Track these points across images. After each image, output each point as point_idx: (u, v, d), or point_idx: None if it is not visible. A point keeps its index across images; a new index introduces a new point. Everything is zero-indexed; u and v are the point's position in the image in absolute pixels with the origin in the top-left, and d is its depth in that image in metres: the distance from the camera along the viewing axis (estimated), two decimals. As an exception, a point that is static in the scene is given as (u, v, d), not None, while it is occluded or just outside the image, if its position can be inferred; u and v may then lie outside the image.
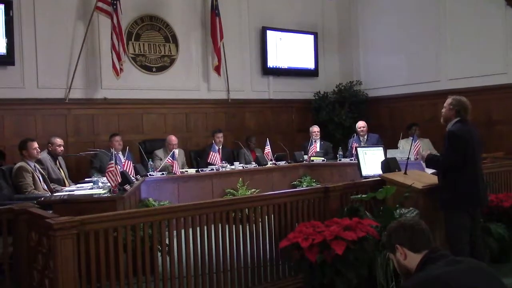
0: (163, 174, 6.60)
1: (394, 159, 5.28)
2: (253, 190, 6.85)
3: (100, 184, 5.36)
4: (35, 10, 7.15)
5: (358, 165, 6.06)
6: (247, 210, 4.02)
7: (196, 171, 7.03)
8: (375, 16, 9.70)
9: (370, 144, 7.83)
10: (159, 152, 7.31)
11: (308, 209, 4.27)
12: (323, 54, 10.15)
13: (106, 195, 4.79)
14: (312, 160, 7.97)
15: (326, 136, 9.12)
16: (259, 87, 9.47)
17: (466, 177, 3.96)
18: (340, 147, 8.22)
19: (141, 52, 8.14)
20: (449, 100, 4.11)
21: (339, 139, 9.18)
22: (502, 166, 5.83)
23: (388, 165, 5.03)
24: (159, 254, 3.63)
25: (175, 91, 8.42)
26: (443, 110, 4.15)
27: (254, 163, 7.66)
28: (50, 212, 3.88)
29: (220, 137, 7.83)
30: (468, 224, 4.00)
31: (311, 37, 9.92)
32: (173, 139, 7.34)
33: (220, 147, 7.76)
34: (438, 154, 4.39)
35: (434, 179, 4.32)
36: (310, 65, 9.96)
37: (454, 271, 2.03)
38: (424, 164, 4.45)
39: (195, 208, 3.76)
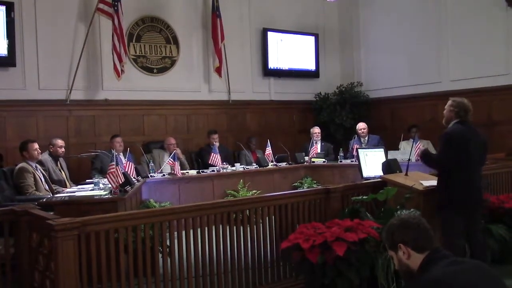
0: (164, 175, 6.61)
1: (395, 160, 5.28)
2: (254, 191, 6.85)
3: (101, 185, 5.37)
4: (36, 12, 7.15)
5: (359, 166, 6.07)
6: (248, 212, 4.02)
7: (197, 172, 7.05)
8: (376, 17, 9.70)
9: (371, 145, 7.84)
10: (155, 152, 7.48)
11: (309, 210, 4.28)
12: (324, 55, 10.16)
13: (107, 196, 4.79)
14: (313, 161, 7.98)
15: (327, 137, 9.11)
16: (260, 88, 9.47)
17: (458, 179, 3.95)
18: (341, 148, 8.23)
19: (142, 53, 8.15)
20: (449, 102, 4.14)
21: (340, 140, 9.19)
22: (503, 167, 5.82)
23: (389, 166, 5.03)
24: (160, 255, 3.63)
25: (176, 93, 8.42)
26: (444, 111, 4.18)
27: (255, 164, 7.66)
28: (51, 213, 3.89)
29: (215, 138, 7.80)
30: (462, 225, 3.98)
31: (312, 38, 9.92)
32: (172, 139, 7.46)
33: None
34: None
35: (435, 181, 4.32)
36: (311, 66, 9.96)
37: (456, 272, 2.02)
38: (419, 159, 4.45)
39: (196, 209, 3.76)
